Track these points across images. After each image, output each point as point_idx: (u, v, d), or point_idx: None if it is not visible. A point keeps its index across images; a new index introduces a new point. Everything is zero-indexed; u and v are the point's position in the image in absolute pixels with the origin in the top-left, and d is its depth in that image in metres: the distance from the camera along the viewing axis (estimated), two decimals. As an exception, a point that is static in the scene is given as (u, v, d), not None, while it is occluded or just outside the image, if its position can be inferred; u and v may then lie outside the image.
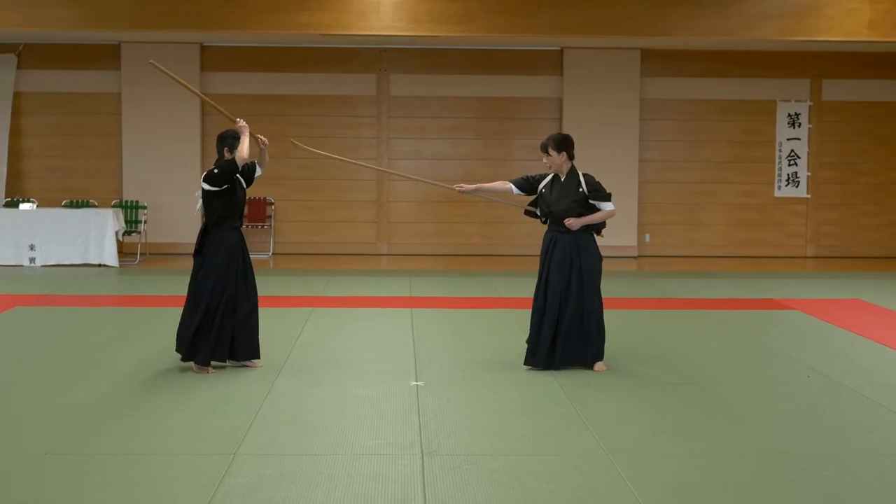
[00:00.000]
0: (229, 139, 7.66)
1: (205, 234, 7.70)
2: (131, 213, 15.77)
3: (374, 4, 14.36)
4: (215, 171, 7.54)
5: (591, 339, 7.77)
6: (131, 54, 16.20)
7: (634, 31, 14.75)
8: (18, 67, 16.34)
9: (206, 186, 7.57)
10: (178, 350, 7.74)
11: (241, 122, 7.69)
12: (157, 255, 15.96)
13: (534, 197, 8.02)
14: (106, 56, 16.37)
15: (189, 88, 7.89)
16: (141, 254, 15.47)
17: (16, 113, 16.42)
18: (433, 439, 5.93)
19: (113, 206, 15.43)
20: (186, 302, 7.74)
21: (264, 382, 7.32)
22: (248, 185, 7.92)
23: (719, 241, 17.02)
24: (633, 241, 16.49)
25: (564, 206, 7.70)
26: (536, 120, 16.76)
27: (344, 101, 16.71)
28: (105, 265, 14.46)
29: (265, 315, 10.40)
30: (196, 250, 7.71)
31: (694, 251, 16.94)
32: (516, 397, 7.02)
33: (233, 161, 7.53)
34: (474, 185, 8.21)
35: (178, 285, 12.56)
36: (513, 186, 8.00)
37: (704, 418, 6.54)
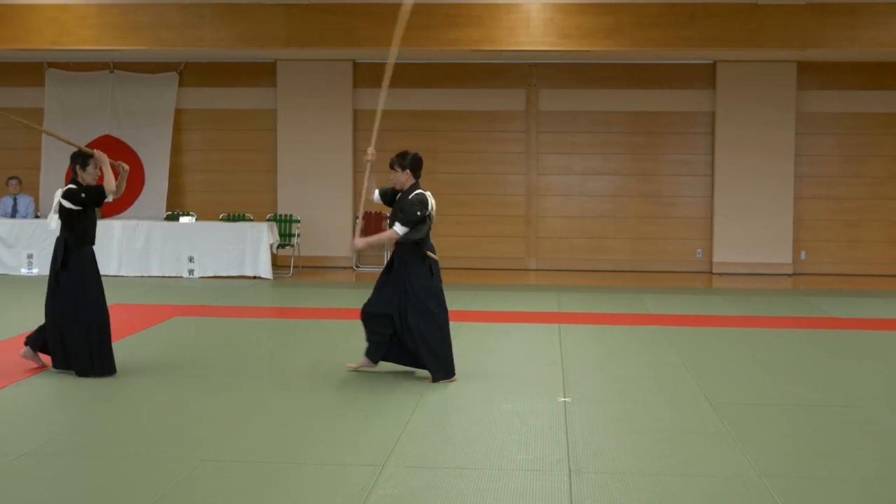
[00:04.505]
0: (80, 158, 7.90)
1: (66, 250, 7.83)
2: (285, 227, 16.12)
3: (524, 20, 14.38)
4: (83, 195, 7.75)
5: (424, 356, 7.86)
6: (287, 71, 16.64)
7: (791, 44, 14.36)
8: (179, 85, 16.94)
9: (68, 205, 7.77)
10: (80, 368, 7.81)
11: (98, 153, 7.87)
12: (310, 268, 16.28)
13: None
14: (262, 73, 16.85)
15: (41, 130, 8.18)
16: (294, 266, 15.81)
17: (176, 129, 17.01)
18: (581, 456, 5.88)
19: (268, 220, 15.83)
20: (66, 317, 7.79)
21: (413, 395, 7.38)
22: (98, 207, 8.03)
23: (879, 259, 16.42)
24: (788, 259, 16.01)
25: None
26: (688, 134, 16.51)
27: (493, 116, 16.77)
28: (260, 277, 14.82)
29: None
30: (62, 264, 7.81)
31: (852, 269, 16.37)
32: (666, 416, 6.92)
33: (102, 189, 7.75)
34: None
35: (331, 298, 12.84)
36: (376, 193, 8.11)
37: (862, 442, 6.32)
